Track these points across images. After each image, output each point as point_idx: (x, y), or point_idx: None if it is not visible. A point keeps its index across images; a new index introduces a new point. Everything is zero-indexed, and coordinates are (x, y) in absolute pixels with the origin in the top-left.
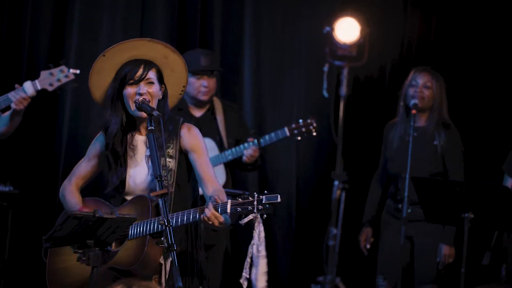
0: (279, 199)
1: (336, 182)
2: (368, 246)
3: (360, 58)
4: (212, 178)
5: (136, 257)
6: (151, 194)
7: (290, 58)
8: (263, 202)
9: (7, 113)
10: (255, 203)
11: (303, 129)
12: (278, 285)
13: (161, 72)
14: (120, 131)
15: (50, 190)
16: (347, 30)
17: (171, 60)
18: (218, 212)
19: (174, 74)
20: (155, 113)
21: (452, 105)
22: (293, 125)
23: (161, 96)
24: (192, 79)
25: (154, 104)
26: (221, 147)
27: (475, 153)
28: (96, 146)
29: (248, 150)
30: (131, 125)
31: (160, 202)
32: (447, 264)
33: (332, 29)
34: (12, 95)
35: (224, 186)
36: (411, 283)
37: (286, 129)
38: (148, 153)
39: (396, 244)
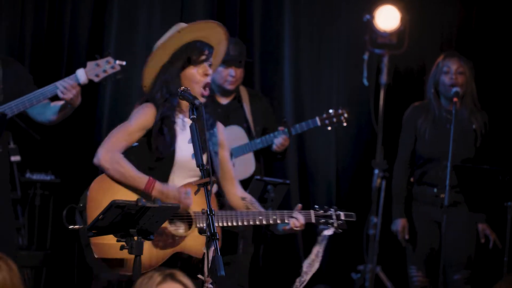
0: (355, 218)
1: (376, 171)
2: (407, 237)
3: (400, 46)
4: (236, 178)
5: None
6: (193, 183)
7: (329, 46)
8: (341, 218)
9: (59, 103)
10: (335, 217)
11: (334, 120)
12: (317, 274)
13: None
14: (173, 108)
15: (90, 179)
16: (387, 18)
17: (220, 48)
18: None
19: (215, 59)
20: (197, 102)
21: (491, 95)
22: (324, 115)
23: None
24: (220, 68)
25: (209, 86)
26: (249, 135)
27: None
28: (147, 116)
29: (279, 139)
30: (181, 106)
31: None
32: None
33: (372, 17)
34: (59, 84)
35: (255, 174)
36: (442, 270)
37: (317, 119)
38: (189, 142)
39: (431, 232)
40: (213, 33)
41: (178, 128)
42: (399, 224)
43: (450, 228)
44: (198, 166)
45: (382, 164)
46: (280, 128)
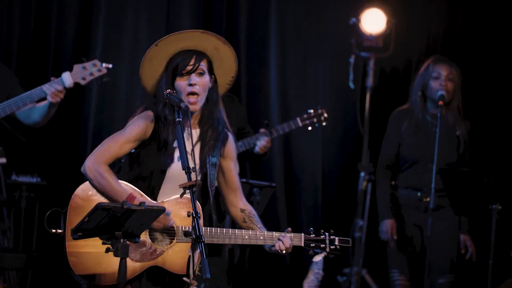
0: (350, 244)
1: (362, 174)
2: (395, 237)
3: (386, 49)
4: (241, 190)
5: (181, 265)
6: (179, 186)
7: (315, 49)
8: (335, 243)
9: (43, 103)
10: (327, 242)
11: (314, 119)
12: (304, 276)
13: (211, 63)
14: (172, 122)
15: (76, 182)
16: (373, 21)
17: (222, 52)
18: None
19: (223, 65)
20: (183, 104)
21: (477, 98)
22: (305, 115)
23: (211, 86)
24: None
25: (204, 95)
26: None
27: (500, 144)
28: (142, 129)
29: (261, 141)
30: (183, 115)
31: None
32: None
33: (358, 20)
34: (46, 88)
35: None
36: (423, 273)
37: (298, 120)
38: (175, 145)
39: (413, 236)
40: (202, 41)
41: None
42: (388, 225)
43: (433, 232)
44: (183, 168)
45: (368, 167)
46: (262, 130)
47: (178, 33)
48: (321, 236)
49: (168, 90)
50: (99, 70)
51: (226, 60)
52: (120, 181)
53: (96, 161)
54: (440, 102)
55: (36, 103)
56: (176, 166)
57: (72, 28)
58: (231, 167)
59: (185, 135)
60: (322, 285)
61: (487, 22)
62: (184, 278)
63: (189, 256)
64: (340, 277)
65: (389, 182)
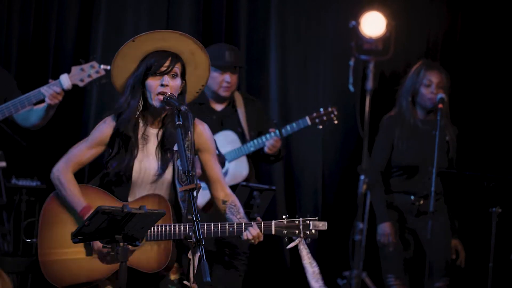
0: (326, 227)
1: (362, 177)
2: (394, 240)
3: (386, 52)
4: (223, 180)
5: (160, 263)
6: (179, 189)
7: (315, 52)
8: (310, 228)
9: (41, 105)
10: (301, 227)
11: (324, 118)
12: (304, 279)
13: (185, 67)
14: (134, 119)
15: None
16: (373, 24)
17: (197, 57)
18: (261, 231)
19: (196, 72)
20: (183, 108)
21: (476, 102)
22: (314, 114)
23: (179, 91)
24: (215, 74)
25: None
26: (242, 140)
27: (500, 146)
28: (103, 132)
29: (270, 141)
30: (146, 115)
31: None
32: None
33: (358, 23)
34: (45, 90)
35: (247, 179)
36: (420, 278)
37: (307, 118)
38: (176, 148)
39: (406, 240)
40: (180, 43)
41: (140, 142)
42: (386, 228)
43: (424, 236)
44: (184, 172)
45: (368, 170)
46: (271, 130)
47: (156, 32)
48: (295, 222)
49: (169, 93)
50: (97, 72)
51: (200, 67)
52: (90, 186)
53: (60, 170)
54: (440, 105)
55: (34, 105)
56: (140, 168)
57: (72, 29)
58: (209, 158)
59: (139, 134)
60: None
61: (487, 25)
62: (185, 282)
63: (189, 259)
64: (340, 280)
65: (383, 186)
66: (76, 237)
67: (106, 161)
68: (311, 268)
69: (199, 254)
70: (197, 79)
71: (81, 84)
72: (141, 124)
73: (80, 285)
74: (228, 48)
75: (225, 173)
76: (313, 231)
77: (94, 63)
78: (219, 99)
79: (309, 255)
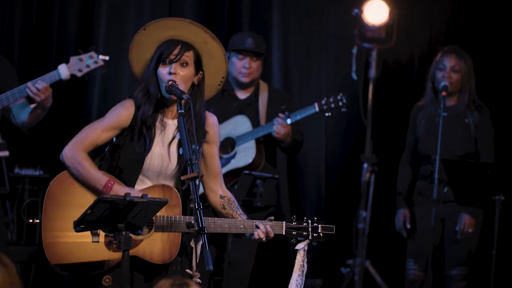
0: (334, 231)
1: (365, 165)
2: (408, 226)
3: (389, 40)
4: (221, 175)
5: (169, 254)
6: (182, 178)
7: (318, 40)
8: (318, 231)
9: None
10: (310, 230)
11: (333, 105)
12: (307, 268)
13: (199, 57)
14: (153, 108)
15: None
16: (376, 12)
17: (210, 47)
18: (272, 231)
19: (213, 62)
20: (185, 96)
21: (481, 87)
22: (323, 101)
23: (196, 82)
24: (234, 59)
25: (184, 87)
26: (255, 127)
27: (504, 134)
28: (121, 115)
29: (277, 125)
30: (162, 104)
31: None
32: (466, 233)
33: (360, 11)
34: (30, 84)
35: (254, 164)
36: (442, 266)
37: (316, 105)
38: (178, 137)
39: (428, 226)
40: (189, 32)
41: (156, 131)
42: (401, 214)
43: (450, 224)
44: (186, 160)
45: (371, 158)
46: (280, 114)
47: (166, 20)
48: (304, 224)
49: (170, 82)
50: (96, 62)
51: (215, 57)
52: (100, 170)
53: (74, 149)
54: (443, 93)
55: (29, 102)
56: (153, 154)
57: (75, 20)
58: (214, 152)
59: (157, 124)
60: (327, 275)
61: (491, 12)
62: (187, 270)
63: (192, 248)
64: (344, 268)
65: (410, 173)
66: (79, 225)
67: (114, 143)
68: (299, 271)
69: (201, 242)
70: (215, 70)
71: (79, 74)
72: (159, 114)
73: (82, 266)
74: (252, 35)
75: (233, 156)
76: (321, 234)
77: (93, 54)
78: (241, 86)
79: (305, 259)
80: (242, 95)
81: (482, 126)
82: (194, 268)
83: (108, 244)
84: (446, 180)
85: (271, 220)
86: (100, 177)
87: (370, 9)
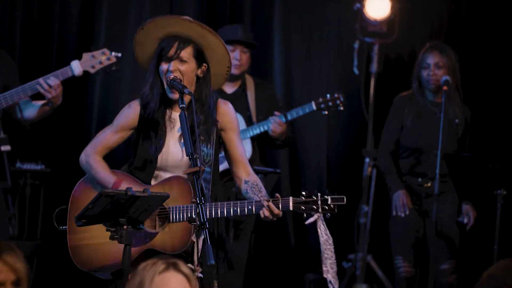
0: (344, 201)
1: (367, 160)
2: (411, 206)
3: (391, 34)
4: (247, 161)
5: (182, 243)
6: (183, 172)
7: (320, 34)
8: (328, 202)
9: (40, 102)
10: (319, 203)
11: (330, 104)
12: (308, 263)
13: (200, 51)
14: (158, 104)
15: (81, 169)
16: (377, 6)
17: (209, 40)
18: (279, 209)
19: (215, 54)
20: (186, 91)
21: (481, 84)
22: (320, 99)
23: (201, 75)
24: None
25: (186, 82)
26: (249, 123)
27: (505, 128)
28: (129, 117)
29: (274, 124)
30: (168, 100)
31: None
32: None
33: (362, 6)
34: (42, 80)
35: (251, 161)
36: (427, 260)
37: (313, 104)
38: (179, 131)
39: (413, 221)
40: (185, 29)
41: (167, 126)
42: (400, 195)
43: (436, 218)
44: (187, 155)
45: (372, 153)
46: (276, 113)
47: (161, 19)
48: (313, 197)
49: (171, 76)
50: (109, 59)
51: (217, 50)
52: (118, 171)
53: (88, 153)
54: (445, 87)
55: (31, 99)
56: (165, 151)
57: (76, 17)
58: (233, 138)
59: (166, 121)
60: None
61: (492, 7)
62: (189, 265)
63: (193, 242)
64: (346, 263)
65: (391, 161)
66: (80, 220)
67: (133, 144)
68: (325, 246)
69: (203, 237)
70: (219, 59)
71: (92, 70)
72: (166, 109)
73: (108, 267)
74: (243, 27)
75: None
76: (331, 205)
77: (106, 50)
78: (230, 78)
79: (327, 231)
80: (229, 89)
81: (468, 125)
82: (196, 262)
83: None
84: (432, 174)
85: (277, 197)
86: (109, 178)
87: (371, 3)
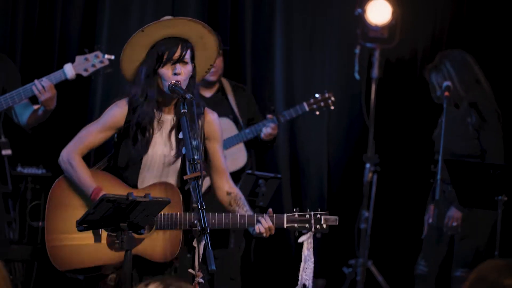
0: (337, 222)
1: (368, 165)
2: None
3: (392, 40)
4: (228, 172)
5: (171, 252)
6: (185, 177)
7: (321, 39)
8: (321, 222)
9: (36, 105)
10: (312, 222)
11: (322, 103)
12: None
13: (193, 51)
14: (151, 110)
15: None
16: (378, 12)
17: (206, 40)
18: (273, 224)
19: (205, 53)
20: (188, 95)
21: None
22: (312, 100)
23: (191, 74)
24: None
25: (185, 83)
26: (237, 126)
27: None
28: (116, 116)
29: (267, 128)
30: (161, 102)
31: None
32: (451, 228)
33: (363, 11)
34: (37, 82)
35: (245, 167)
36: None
37: (305, 104)
38: (181, 136)
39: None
40: (188, 29)
41: (155, 128)
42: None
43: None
44: (189, 160)
45: (373, 158)
46: (269, 116)
47: (164, 20)
48: (306, 216)
49: (173, 81)
50: (101, 62)
51: (209, 49)
52: (100, 171)
53: (69, 152)
54: (446, 93)
55: (32, 103)
56: (152, 153)
57: (78, 19)
58: (216, 147)
59: (155, 124)
60: (329, 277)
61: (493, 12)
62: (190, 270)
63: (195, 248)
64: (346, 268)
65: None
66: (81, 225)
67: (115, 143)
68: (305, 263)
69: (204, 242)
70: (205, 59)
71: (85, 74)
72: (156, 111)
73: (86, 269)
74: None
75: None
76: (324, 225)
77: (99, 53)
78: (207, 84)
79: (311, 250)
80: (207, 93)
81: (485, 127)
82: (197, 268)
83: (110, 245)
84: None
85: (270, 213)
86: (88, 185)
87: (373, 9)
